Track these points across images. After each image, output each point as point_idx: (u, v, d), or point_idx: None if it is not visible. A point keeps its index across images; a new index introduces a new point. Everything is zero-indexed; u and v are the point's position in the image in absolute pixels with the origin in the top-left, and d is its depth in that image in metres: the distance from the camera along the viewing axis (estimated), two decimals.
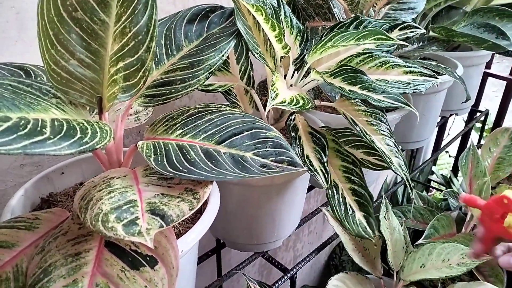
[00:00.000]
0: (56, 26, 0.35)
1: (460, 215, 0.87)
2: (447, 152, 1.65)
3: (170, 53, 0.44)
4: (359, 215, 0.53)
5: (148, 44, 0.35)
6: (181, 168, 0.35)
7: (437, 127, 1.24)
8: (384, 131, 0.53)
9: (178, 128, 0.40)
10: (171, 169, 0.35)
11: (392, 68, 0.52)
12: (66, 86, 0.37)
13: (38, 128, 0.30)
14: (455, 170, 1.62)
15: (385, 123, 0.54)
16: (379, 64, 0.52)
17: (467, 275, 0.75)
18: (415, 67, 0.52)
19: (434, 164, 1.67)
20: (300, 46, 0.54)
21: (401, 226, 0.69)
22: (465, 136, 1.58)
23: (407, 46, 0.75)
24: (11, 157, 0.59)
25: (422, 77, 0.51)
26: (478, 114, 1.37)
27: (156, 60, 0.44)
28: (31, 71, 0.47)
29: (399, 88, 0.49)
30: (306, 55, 0.53)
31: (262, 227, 0.63)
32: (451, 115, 1.09)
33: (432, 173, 1.59)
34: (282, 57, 0.53)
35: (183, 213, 0.32)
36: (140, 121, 0.50)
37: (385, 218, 0.68)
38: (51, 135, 0.30)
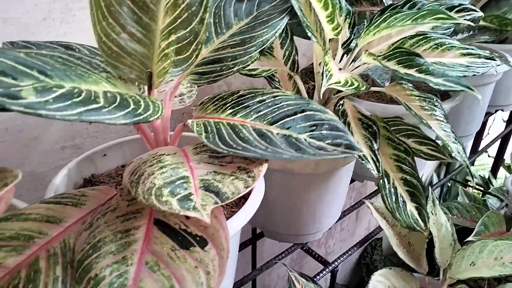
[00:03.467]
0: None
1: (507, 214, 0.83)
2: (486, 152, 1.58)
3: (219, 31, 0.43)
4: (410, 206, 0.50)
5: (202, 16, 0.34)
6: (234, 145, 0.34)
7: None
8: (439, 116, 0.50)
9: (229, 107, 0.39)
10: (224, 146, 0.34)
11: (448, 50, 0.49)
12: (116, 60, 0.36)
13: (92, 98, 0.29)
14: (494, 170, 1.55)
15: (439, 109, 0.51)
16: (434, 46, 0.49)
17: None
18: (473, 49, 0.49)
19: (472, 164, 1.60)
20: (349, 29, 0.52)
21: (449, 222, 0.66)
22: (505, 137, 1.51)
23: (462, 32, 0.72)
24: (52, 139, 0.59)
25: (481, 60, 0.48)
26: None
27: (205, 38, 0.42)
28: (76, 49, 0.47)
29: (457, 71, 0.46)
30: (356, 38, 0.51)
31: (303, 218, 0.61)
32: (496, 111, 1.03)
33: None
34: (330, 40, 0.51)
35: (238, 191, 0.31)
36: (185, 103, 0.49)
37: (432, 213, 0.65)
38: (105, 104, 0.29)
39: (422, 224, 0.50)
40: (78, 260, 0.32)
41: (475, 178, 1.50)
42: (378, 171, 0.46)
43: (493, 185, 1.50)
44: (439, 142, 0.56)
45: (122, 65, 0.36)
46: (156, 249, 0.32)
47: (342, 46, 0.52)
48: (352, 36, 0.53)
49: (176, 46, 0.35)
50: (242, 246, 0.67)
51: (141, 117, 0.30)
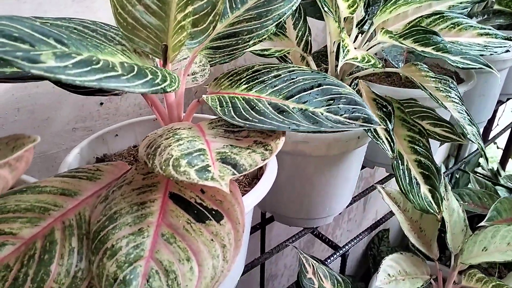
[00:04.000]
0: None
1: None
2: (495, 143, 1.57)
3: (234, 6, 0.42)
4: (424, 189, 0.49)
5: None
6: (250, 118, 0.33)
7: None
8: (454, 98, 0.49)
9: (244, 82, 0.38)
10: (239, 119, 0.33)
11: (466, 30, 0.48)
12: (132, 33, 0.36)
13: (110, 66, 0.29)
14: (503, 162, 1.54)
15: (454, 90, 0.50)
16: (451, 25, 0.48)
17: None
18: (490, 29, 0.48)
19: (481, 156, 1.59)
20: (364, 8, 0.51)
21: (460, 208, 0.65)
22: None
23: (477, 16, 0.71)
24: (63, 120, 0.59)
25: (498, 40, 0.47)
26: None
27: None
28: (91, 23, 0.46)
29: (475, 50, 0.46)
30: (371, 18, 0.50)
31: (313, 201, 0.60)
32: (508, 99, 1.02)
33: (479, 164, 1.52)
34: (345, 18, 0.50)
35: (256, 163, 0.30)
36: (198, 81, 0.49)
37: (445, 199, 0.64)
38: (123, 73, 0.28)
39: (435, 207, 0.50)
40: (94, 231, 0.31)
41: (486, 166, 1.49)
42: (393, 151, 0.45)
43: (501, 177, 1.49)
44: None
45: (137, 38, 0.36)
46: (172, 222, 0.32)
47: (357, 26, 0.51)
48: (367, 16, 0.53)
49: (193, 18, 0.34)
50: (252, 230, 0.67)
51: (159, 87, 0.30)
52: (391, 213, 0.66)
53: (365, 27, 0.52)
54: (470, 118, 0.49)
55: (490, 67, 0.42)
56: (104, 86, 0.26)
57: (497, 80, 0.83)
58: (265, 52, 0.53)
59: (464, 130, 0.47)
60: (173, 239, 0.31)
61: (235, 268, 0.49)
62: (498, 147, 1.60)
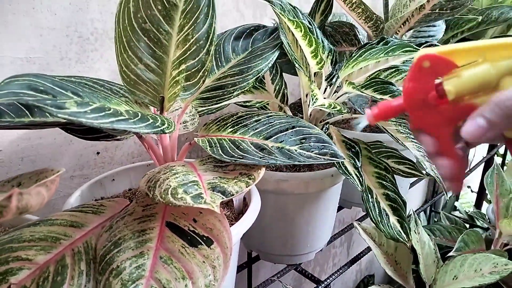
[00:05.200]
0: (128, 34, 0.41)
1: (488, 236, 0.88)
2: (469, 187, 1.65)
3: (220, 64, 0.49)
4: (393, 219, 0.55)
5: (208, 48, 0.41)
6: (235, 155, 0.39)
7: None
8: (414, 139, 0.56)
9: (229, 126, 0.45)
10: (226, 156, 0.39)
11: None
12: (134, 87, 0.42)
13: (119, 112, 0.35)
14: (478, 205, 1.61)
15: None
16: (405, 75, 0.56)
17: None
18: None
19: (457, 200, 1.66)
20: (331, 65, 0.59)
21: (431, 241, 0.70)
22: (486, 168, 1.58)
23: None
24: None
25: None
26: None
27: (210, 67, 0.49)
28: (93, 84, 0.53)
29: None
30: (338, 71, 0.58)
31: (296, 237, 0.65)
32: None
33: (455, 208, 1.59)
34: (315, 73, 0.58)
35: (241, 189, 0.36)
36: (188, 129, 0.55)
37: (415, 232, 0.70)
38: (130, 117, 0.34)
39: (404, 236, 0.55)
40: (101, 255, 0.36)
41: (460, 211, 1.55)
42: (361, 185, 0.51)
43: (478, 219, 1.56)
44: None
45: (138, 91, 0.43)
46: (168, 246, 0.37)
47: (325, 80, 0.59)
48: (334, 71, 0.61)
49: (186, 74, 0.41)
50: (239, 268, 0.70)
51: (159, 128, 0.36)
52: (368, 249, 0.71)
53: (333, 80, 0.60)
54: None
55: None
56: (117, 127, 0.32)
57: None
58: (247, 104, 0.60)
59: (423, 165, 0.54)
60: (170, 261, 0.36)
61: None
62: (472, 191, 1.68)
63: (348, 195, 0.80)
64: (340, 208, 0.83)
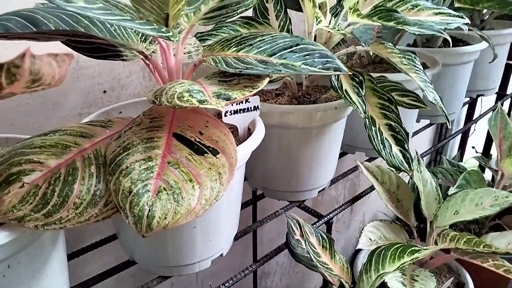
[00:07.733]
0: None
1: (490, 182, 0.89)
2: (473, 147, 1.65)
3: None
4: (395, 149, 0.56)
5: None
6: (239, 67, 0.40)
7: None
8: (417, 70, 0.56)
9: (233, 46, 0.45)
10: (231, 68, 0.40)
11: (424, 10, 0.56)
12: (139, 4, 0.43)
13: (124, 14, 0.35)
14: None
15: (417, 64, 0.58)
16: (411, 7, 0.56)
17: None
18: (445, 9, 0.56)
19: (461, 160, 1.67)
20: None
21: (433, 180, 0.71)
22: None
23: None
24: (70, 106, 0.65)
25: (452, 18, 0.55)
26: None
27: None
28: None
29: (430, 23, 0.53)
30: (343, 1, 0.58)
31: (299, 174, 0.66)
32: (477, 96, 1.11)
33: (461, 160, 1.60)
34: (320, 5, 0.58)
35: (245, 94, 0.37)
36: (192, 59, 0.55)
37: (417, 171, 0.71)
38: (136, 20, 0.35)
39: (406, 165, 0.56)
40: (111, 158, 0.37)
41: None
42: (364, 112, 0.52)
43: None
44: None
45: (143, 9, 0.43)
46: (176, 153, 0.38)
47: (330, 11, 0.59)
48: (339, 3, 0.61)
49: None
50: (244, 205, 0.72)
51: (164, 34, 0.36)
52: (371, 188, 0.72)
53: (338, 10, 0.59)
54: (432, 86, 0.56)
55: (441, 32, 0.50)
56: (123, 25, 0.32)
57: (465, 72, 0.92)
58: None
59: (427, 95, 0.55)
60: (177, 166, 0.37)
61: (229, 226, 0.54)
62: (476, 152, 1.69)
63: (352, 140, 0.81)
64: (343, 155, 0.84)
